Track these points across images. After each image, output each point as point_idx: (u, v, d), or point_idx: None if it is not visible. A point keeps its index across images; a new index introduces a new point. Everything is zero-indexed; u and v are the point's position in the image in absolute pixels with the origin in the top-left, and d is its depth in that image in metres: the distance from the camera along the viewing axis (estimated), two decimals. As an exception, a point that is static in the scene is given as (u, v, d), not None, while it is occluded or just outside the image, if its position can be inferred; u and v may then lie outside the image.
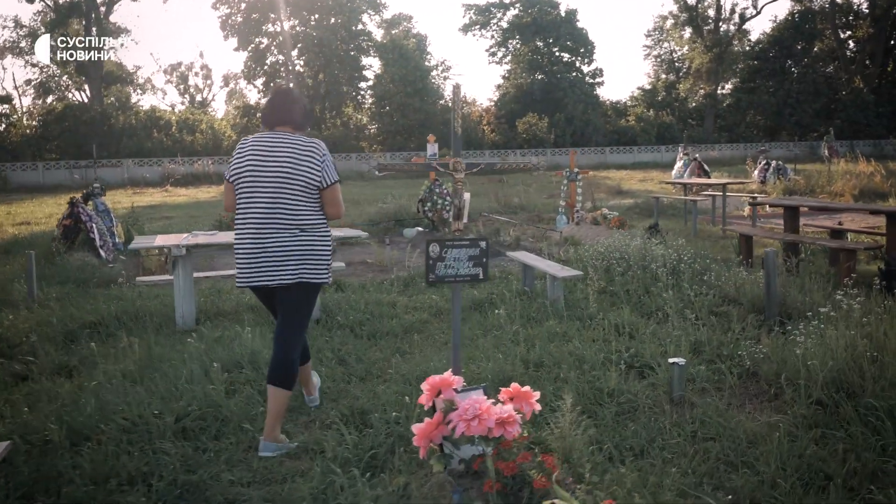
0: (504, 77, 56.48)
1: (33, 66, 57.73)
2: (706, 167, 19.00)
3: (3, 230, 15.55)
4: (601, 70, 54.50)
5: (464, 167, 4.15)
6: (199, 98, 73.29)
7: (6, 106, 54.73)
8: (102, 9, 53.03)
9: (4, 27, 57.31)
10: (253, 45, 54.98)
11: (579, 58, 53.77)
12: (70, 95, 55.96)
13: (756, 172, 19.92)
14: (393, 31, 54.41)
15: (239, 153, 4.08)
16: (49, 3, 52.58)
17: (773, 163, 20.11)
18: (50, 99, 56.08)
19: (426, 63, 51.07)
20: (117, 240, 11.45)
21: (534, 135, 46.54)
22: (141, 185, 36.40)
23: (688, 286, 6.80)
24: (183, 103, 71.10)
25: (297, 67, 55.22)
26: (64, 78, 56.94)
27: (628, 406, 4.33)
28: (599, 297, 6.97)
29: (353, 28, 53.93)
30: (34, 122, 51.89)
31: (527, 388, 3.20)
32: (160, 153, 43.27)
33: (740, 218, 13.53)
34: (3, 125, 50.46)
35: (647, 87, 59.70)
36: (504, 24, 55.42)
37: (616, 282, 7.40)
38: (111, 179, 39.05)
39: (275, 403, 3.93)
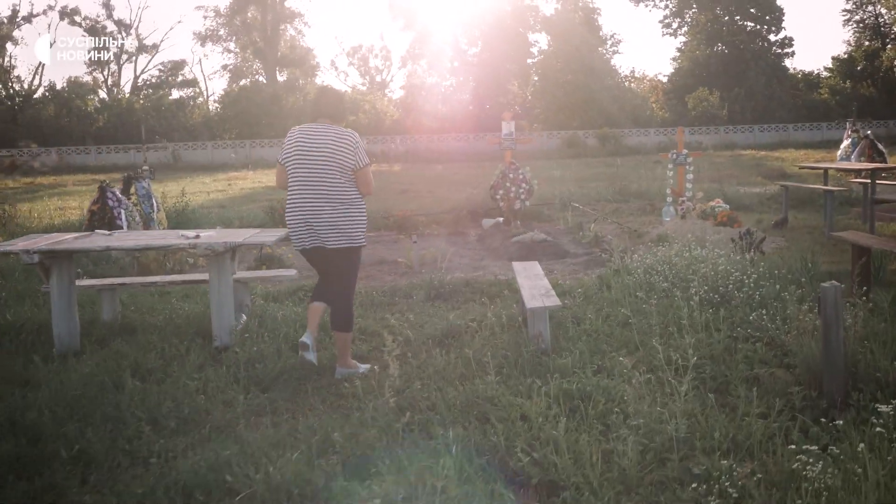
0: (679, 50, 52.34)
1: (229, 52, 61.36)
2: (880, 146, 15.56)
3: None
4: (790, 39, 48.90)
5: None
6: (378, 79, 74.26)
7: (192, 89, 58.40)
8: (278, -7, 54.84)
9: (206, 17, 61.00)
10: (420, 25, 54.73)
11: (765, 26, 48.57)
12: (259, 79, 57.91)
13: None
14: (560, 5, 51.92)
15: (289, 140, 4.89)
16: (230, -10, 55.07)
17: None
18: (243, 82, 58.86)
19: (591, 38, 48.19)
20: (157, 227, 10.69)
21: (704, 111, 42.55)
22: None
23: (725, 328, 4.71)
24: (364, 84, 72.37)
25: (461, 45, 54.31)
26: (246, 62, 60.03)
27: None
28: (593, 337, 5.05)
29: (522, 4, 52.10)
30: (216, 105, 55.02)
31: None
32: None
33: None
34: (188, 107, 53.79)
35: (844, 55, 52.86)
36: (680, -8, 51.19)
37: (627, 313, 5.36)
38: (271, 158, 40.16)
39: (341, 342, 4.85)
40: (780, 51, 48.76)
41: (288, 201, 4.86)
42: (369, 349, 5.27)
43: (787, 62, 49.29)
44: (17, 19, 58.21)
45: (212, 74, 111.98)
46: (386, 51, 75.57)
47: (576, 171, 19.28)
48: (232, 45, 59.43)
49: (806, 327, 4.25)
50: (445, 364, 4.54)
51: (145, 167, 11.39)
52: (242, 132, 46.86)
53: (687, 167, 11.18)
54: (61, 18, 58.81)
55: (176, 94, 56.56)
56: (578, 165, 26.21)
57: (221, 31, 59.03)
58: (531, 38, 53.41)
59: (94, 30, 59.56)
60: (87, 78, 57.77)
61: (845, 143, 16.38)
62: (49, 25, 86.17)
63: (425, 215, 12.44)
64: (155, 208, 10.79)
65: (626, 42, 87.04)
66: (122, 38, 60.81)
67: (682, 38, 51.98)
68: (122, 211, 9.90)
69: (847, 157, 15.62)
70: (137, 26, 61.49)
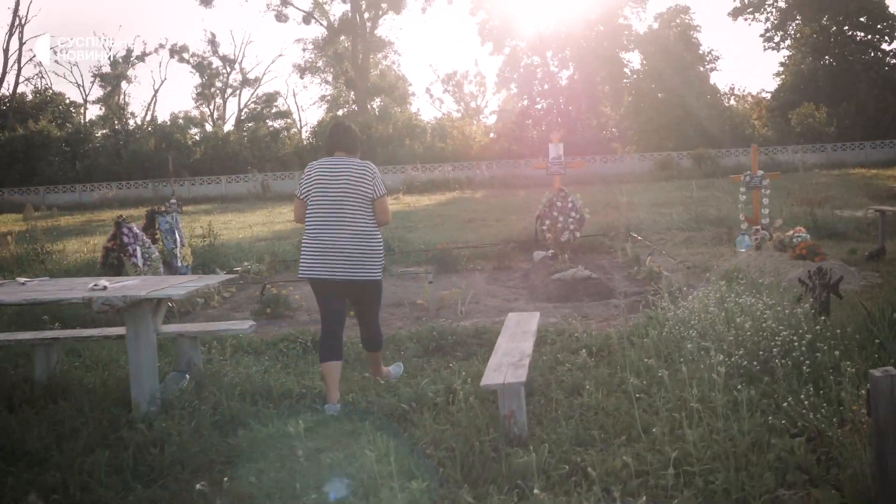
0: (782, 64, 49.38)
1: (326, 83, 62.47)
2: None
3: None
4: (908, 48, 45.22)
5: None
6: (472, 105, 73.88)
7: (286, 120, 59.57)
8: (368, 24, 55.33)
9: (305, 49, 62.48)
10: (508, 48, 53.93)
11: (877, 36, 45.16)
12: (354, 109, 58.33)
13: None
14: (657, 23, 50.04)
15: (308, 174, 4.95)
16: (323, 22, 55.97)
17: None
18: (341, 112, 59.60)
19: (688, 55, 46.05)
20: (180, 263, 10.13)
21: (810, 127, 39.70)
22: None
23: (757, 413, 3.49)
24: (458, 111, 72.24)
25: (551, 68, 53.18)
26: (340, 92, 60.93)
27: None
28: (586, 417, 3.91)
29: (614, 23, 50.57)
30: (309, 136, 55.81)
31: None
32: (411, 160, 43.48)
33: None
34: (281, 138, 54.79)
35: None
36: (782, 4, 48.31)
37: (639, 384, 4.19)
38: (357, 187, 40.10)
39: (374, 360, 5.13)
40: (894, 61, 45.22)
41: (308, 232, 4.88)
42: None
43: (904, 73, 45.59)
44: (132, 58, 61.35)
45: (310, 106, 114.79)
46: (480, 76, 75.09)
47: (658, 194, 17.82)
48: (330, 77, 60.61)
49: (864, 420, 3.00)
50: (376, 460, 3.50)
51: (172, 201, 10.90)
52: (332, 162, 47.15)
53: (763, 190, 9.74)
54: (171, 56, 61.50)
55: (271, 125, 57.76)
56: (666, 189, 24.60)
57: (319, 63, 60.23)
58: (624, 57, 51.72)
59: (200, 66, 62.07)
60: (195, 112, 60.19)
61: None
62: (160, 63, 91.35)
63: (473, 247, 11.40)
64: (179, 243, 10.24)
65: (725, 58, 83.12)
66: (227, 73, 63.28)
67: (786, 52, 49.08)
68: (138, 247, 9.35)
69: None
70: (241, 60, 63.65)
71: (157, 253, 9.71)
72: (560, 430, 3.77)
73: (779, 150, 38.30)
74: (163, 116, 61.16)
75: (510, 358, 3.87)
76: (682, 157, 39.13)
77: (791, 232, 8.94)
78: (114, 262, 9.36)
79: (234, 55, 74.79)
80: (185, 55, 62.18)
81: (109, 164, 48.13)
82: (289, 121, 59.37)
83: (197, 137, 54.54)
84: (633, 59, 51.40)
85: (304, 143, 53.78)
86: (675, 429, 3.61)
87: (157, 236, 10.26)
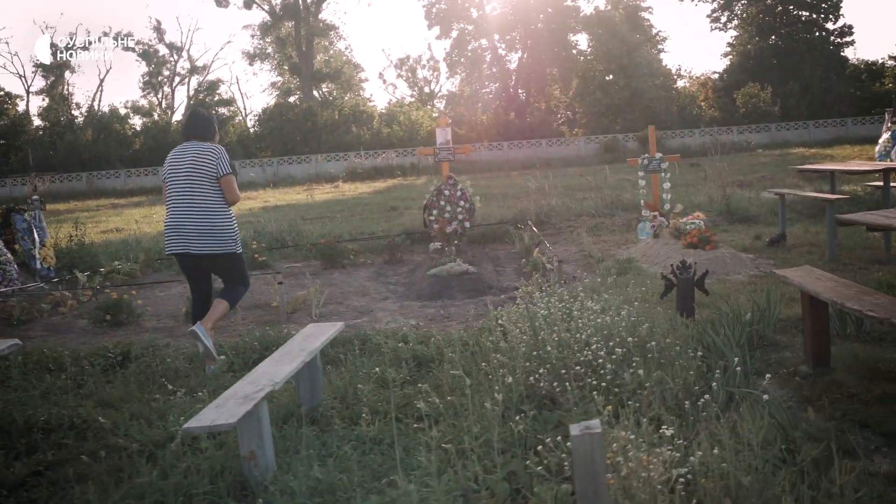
0: (729, 45, 49.29)
1: (274, 70, 60.91)
2: (927, 141, 13.10)
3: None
4: (850, 28, 45.26)
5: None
6: (426, 90, 72.81)
7: (231, 108, 58.12)
8: (312, 8, 54.04)
9: (253, 35, 60.89)
10: (456, 31, 53.09)
11: (822, 15, 45.20)
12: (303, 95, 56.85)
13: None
14: (603, 5, 49.53)
15: (166, 161, 5.42)
16: (265, 7, 54.58)
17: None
18: (292, 99, 58.16)
19: (636, 36, 45.64)
20: (39, 265, 9.30)
21: (755, 107, 39.62)
22: (319, 181, 35.73)
23: (501, 464, 2.89)
24: (412, 96, 71.27)
25: (499, 51, 52.47)
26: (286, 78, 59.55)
27: None
28: (355, 451, 3.27)
29: (562, 4, 49.93)
30: (254, 124, 54.50)
31: None
32: (357, 147, 42.48)
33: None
34: (224, 127, 53.37)
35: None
36: (728, -17, 48.17)
37: (423, 407, 3.58)
38: (299, 175, 39.14)
39: (215, 310, 5.30)
40: (838, 40, 45.34)
41: (166, 212, 5.31)
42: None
43: (848, 52, 45.83)
44: (75, 47, 59.23)
45: (261, 92, 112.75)
46: (434, 61, 74.11)
47: (597, 177, 17.22)
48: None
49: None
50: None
51: (34, 197, 10.05)
52: (277, 150, 46.07)
53: (662, 174, 9.20)
54: (115, 44, 59.42)
55: (214, 112, 56.24)
56: (602, 172, 24.08)
57: (269, 49, 58.74)
58: (573, 39, 51.20)
59: (146, 54, 60.17)
60: (144, 102, 58.35)
61: (884, 136, 13.97)
62: (104, 52, 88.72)
63: (364, 240, 10.72)
64: (37, 244, 9.39)
65: (673, 39, 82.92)
66: (175, 61, 61.47)
67: (733, 32, 49.00)
68: (-17, 250, 8.50)
69: (886, 154, 13.24)
70: (189, 48, 61.81)
71: (8, 255, 8.88)
72: (311, 474, 3.12)
73: (724, 130, 38.15)
74: (113, 106, 59.00)
75: (251, 387, 3.20)
76: (628, 139, 38.81)
77: (689, 219, 8.41)
78: (-41, 265, 8.53)
79: (181, 42, 73.03)
80: (131, 42, 60.07)
81: (44, 157, 46.42)
82: (233, 109, 57.95)
83: (138, 127, 52.96)
84: (582, 42, 50.98)
85: (250, 131, 52.51)
86: (443, 470, 3.00)
87: (16, 236, 9.44)
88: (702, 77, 48.28)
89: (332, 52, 59.41)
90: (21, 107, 58.81)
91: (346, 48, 77.26)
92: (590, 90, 45.98)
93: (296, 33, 53.64)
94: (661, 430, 2.71)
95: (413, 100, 66.51)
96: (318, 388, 3.99)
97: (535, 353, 3.73)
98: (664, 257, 8.02)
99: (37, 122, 55.10)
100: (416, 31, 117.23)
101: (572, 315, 4.18)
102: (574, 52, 50.62)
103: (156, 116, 56.19)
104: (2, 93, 58.81)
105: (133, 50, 60.13)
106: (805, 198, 9.35)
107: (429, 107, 62.86)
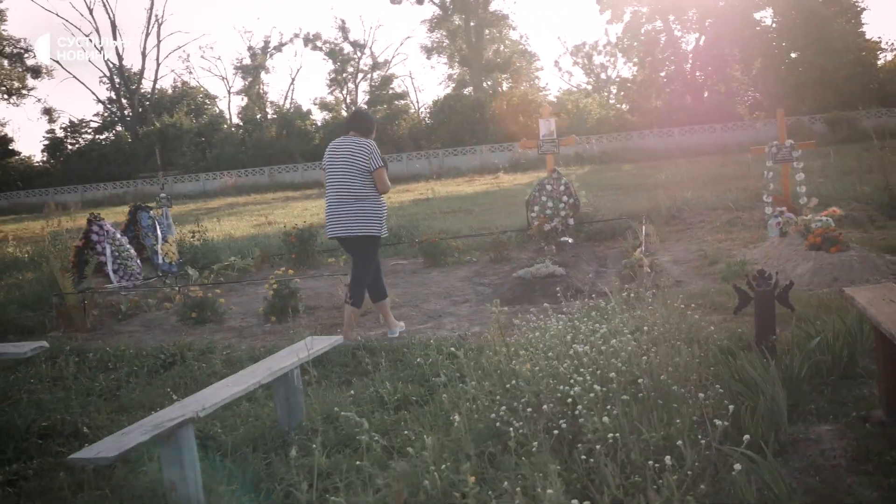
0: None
1: (448, 63, 61.93)
2: None
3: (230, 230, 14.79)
4: None
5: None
6: (602, 76, 70.98)
7: (403, 102, 59.59)
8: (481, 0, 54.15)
9: (431, 30, 62.29)
10: (629, 14, 51.11)
11: None
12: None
13: None
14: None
15: (326, 151, 6.09)
16: (436, 1, 55.37)
17: None
18: (466, 91, 58.96)
19: (830, 9, 41.62)
20: (160, 260, 9.78)
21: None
22: (482, 173, 35.73)
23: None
24: (589, 83, 69.99)
25: (675, 32, 49.81)
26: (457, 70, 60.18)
27: None
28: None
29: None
30: (426, 116, 55.62)
31: None
32: (521, 137, 42.04)
33: None
34: (397, 120, 54.84)
35: None
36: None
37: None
38: (464, 166, 39.37)
39: (382, 309, 6.17)
40: None
41: (326, 201, 6.07)
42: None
43: None
44: (269, 49, 63.31)
45: (438, 85, 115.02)
46: (611, 46, 71.92)
47: (725, 168, 15.75)
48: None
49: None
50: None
51: (162, 195, 10.60)
52: (447, 141, 46.68)
53: (795, 164, 8.10)
54: (305, 45, 62.79)
55: (388, 107, 57.99)
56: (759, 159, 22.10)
57: (445, 42, 59.67)
58: (757, 16, 47.61)
59: (333, 52, 63.07)
60: (330, 98, 61.34)
61: None
62: (295, 52, 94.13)
63: (467, 237, 10.36)
64: (159, 239, 9.89)
65: (875, 9, 74.00)
66: (358, 58, 63.97)
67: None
68: (108, 245, 9.07)
69: None
70: (371, 45, 64.06)
71: (131, 250, 9.41)
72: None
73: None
74: (303, 104, 62.55)
75: (176, 412, 2.98)
76: (814, 121, 35.55)
77: (820, 216, 7.33)
78: (87, 259, 9.14)
79: (364, 40, 75.62)
80: (318, 43, 63.05)
81: (235, 153, 49.98)
82: (405, 102, 59.46)
83: (318, 123, 55.68)
84: (767, 18, 47.25)
85: (423, 123, 53.58)
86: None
87: (140, 233, 10.00)
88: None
89: (506, 42, 59.33)
90: (218, 107, 63.89)
91: (522, 37, 76.68)
92: (772, 70, 42.57)
93: (465, 25, 53.96)
94: None
95: (590, 87, 65.12)
96: (297, 408, 3.74)
97: (509, 383, 3.24)
98: (784, 260, 7.05)
99: (235, 120, 59.54)
100: (592, 17, 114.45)
101: (577, 338, 3.62)
102: (758, 29, 47.04)
103: (343, 111, 58.71)
104: (202, 94, 64.25)
105: (320, 49, 63.20)
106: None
107: (604, 94, 61.28)
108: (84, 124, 58.82)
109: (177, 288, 7.99)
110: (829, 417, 3.47)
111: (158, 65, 75.85)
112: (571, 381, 2.99)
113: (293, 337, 6.19)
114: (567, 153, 38.16)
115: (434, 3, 55.68)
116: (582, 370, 3.09)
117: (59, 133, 58.05)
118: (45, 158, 57.10)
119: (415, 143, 50.12)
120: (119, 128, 58.00)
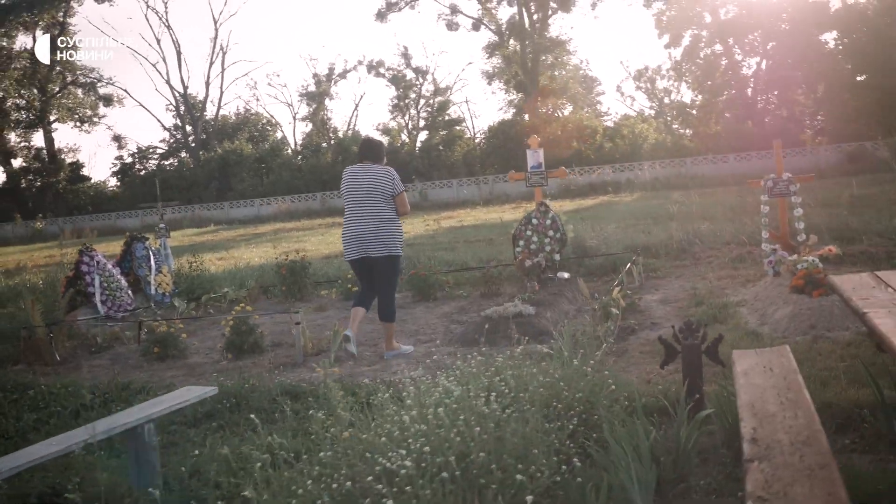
0: None
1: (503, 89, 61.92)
2: None
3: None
4: None
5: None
6: (665, 101, 69.96)
7: (458, 128, 59.72)
8: (537, 25, 54.03)
9: (490, 56, 62.56)
10: (688, 39, 50.18)
11: None
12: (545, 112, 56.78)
13: None
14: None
15: (343, 179, 6.59)
16: (492, 27, 55.52)
17: None
18: (526, 117, 58.88)
19: (892, 27, 40.01)
20: (153, 290, 9.81)
21: None
22: (530, 199, 35.30)
23: None
24: (652, 108, 69.24)
25: (735, 56, 48.64)
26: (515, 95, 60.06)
27: None
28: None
29: (806, 1, 45.23)
30: (481, 142, 55.59)
31: None
32: (576, 163, 41.46)
33: None
34: (452, 146, 54.94)
35: None
36: None
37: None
38: (513, 192, 39.00)
39: (387, 331, 6.47)
40: None
41: (343, 224, 6.47)
42: None
43: None
44: (334, 76, 64.50)
45: (498, 110, 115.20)
46: (672, 71, 70.76)
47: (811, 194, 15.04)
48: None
49: None
50: None
51: (161, 225, 10.66)
52: (500, 167, 46.48)
53: (792, 199, 7.59)
54: (368, 72, 63.68)
55: (444, 133, 58.29)
56: (834, 186, 21.10)
57: (503, 68, 59.66)
58: (822, 39, 46.15)
59: (395, 79, 63.76)
60: (393, 124, 61.97)
61: None
62: (359, 79, 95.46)
63: (455, 271, 10.09)
64: (153, 270, 9.92)
65: None
66: (420, 84, 64.42)
67: None
68: (97, 276, 9.12)
69: None
70: (434, 71, 64.56)
71: (122, 281, 9.45)
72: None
73: None
74: (364, 130, 63.19)
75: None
76: (877, 146, 34.05)
77: (810, 256, 6.80)
78: (81, 289, 9.22)
79: (426, 66, 76.23)
80: (382, 69, 63.79)
81: (291, 179, 50.79)
82: (460, 128, 59.65)
83: (374, 149, 56.15)
84: (829, 40, 45.75)
85: (476, 149, 53.55)
86: None
87: (133, 264, 10.06)
88: None
89: (566, 67, 59.03)
90: (280, 134, 65.19)
91: (582, 62, 76.08)
92: (835, 93, 41.09)
93: (521, 51, 53.88)
94: None
95: (653, 112, 64.19)
96: (149, 470, 3.53)
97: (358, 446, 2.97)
98: (769, 302, 6.57)
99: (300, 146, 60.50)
100: (654, 41, 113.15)
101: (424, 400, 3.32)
102: (823, 52, 45.56)
103: (404, 137, 59.21)
104: (264, 120, 65.71)
105: (383, 76, 63.91)
106: None
107: (667, 119, 60.22)
108: (151, 150, 60.86)
109: (139, 322, 7.94)
110: (713, 497, 3.09)
111: (222, 92, 77.75)
112: (391, 454, 2.71)
113: (244, 375, 6.04)
114: (618, 179, 37.48)
115: (490, 30, 55.87)
116: (409, 441, 2.80)
117: (128, 159, 60.17)
118: (116, 184, 59.16)
119: (468, 168, 50.11)
120: (183, 154, 59.74)
